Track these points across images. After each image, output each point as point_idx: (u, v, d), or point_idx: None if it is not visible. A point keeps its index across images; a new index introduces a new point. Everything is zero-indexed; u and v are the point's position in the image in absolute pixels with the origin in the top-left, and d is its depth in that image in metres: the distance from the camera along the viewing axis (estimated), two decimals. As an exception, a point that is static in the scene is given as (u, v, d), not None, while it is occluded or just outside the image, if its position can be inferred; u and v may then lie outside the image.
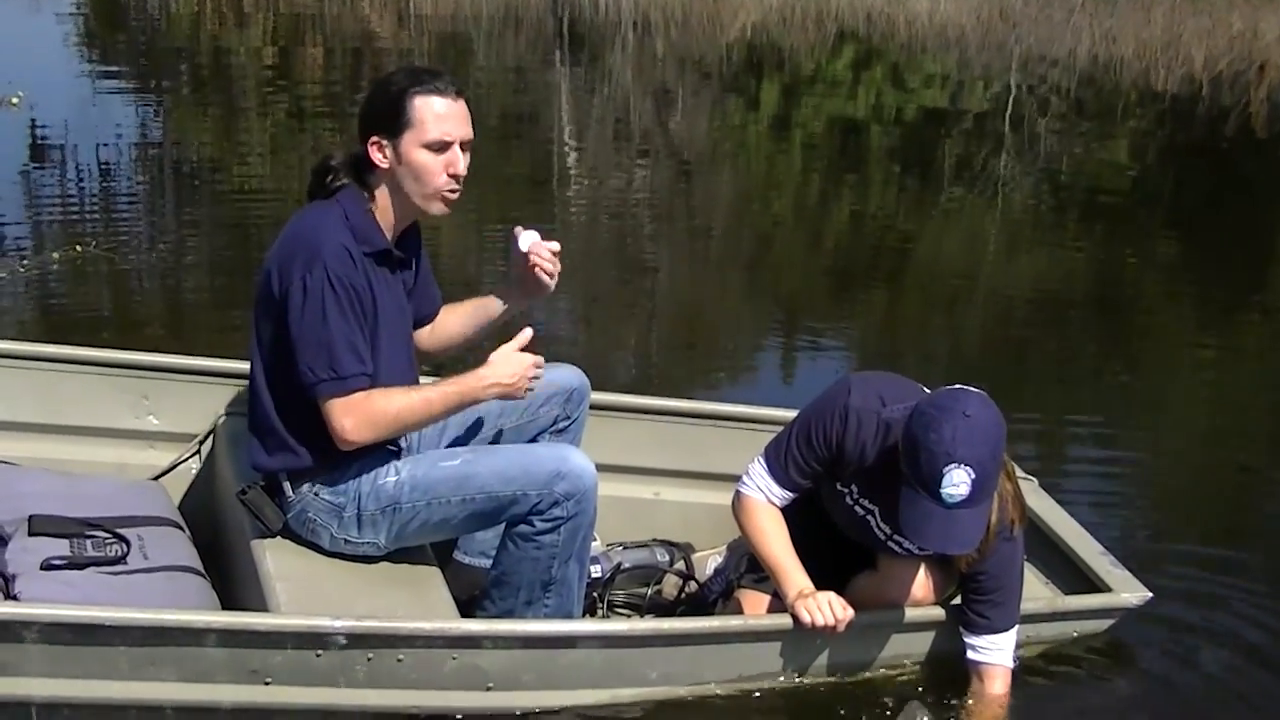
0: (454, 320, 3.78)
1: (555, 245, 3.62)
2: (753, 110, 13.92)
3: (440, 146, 3.31)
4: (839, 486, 3.57)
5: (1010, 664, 3.57)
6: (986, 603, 3.52)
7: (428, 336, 3.77)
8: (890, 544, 3.53)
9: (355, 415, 3.28)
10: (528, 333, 3.49)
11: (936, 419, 3.20)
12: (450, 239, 7.63)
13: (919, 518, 3.26)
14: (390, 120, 3.30)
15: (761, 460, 3.62)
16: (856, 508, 3.55)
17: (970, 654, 3.56)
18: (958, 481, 3.17)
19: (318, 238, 3.27)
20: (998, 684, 3.55)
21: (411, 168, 3.32)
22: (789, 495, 3.59)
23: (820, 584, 3.53)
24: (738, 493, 3.64)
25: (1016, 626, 3.57)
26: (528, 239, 3.61)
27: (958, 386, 3.32)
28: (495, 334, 3.71)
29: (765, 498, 3.59)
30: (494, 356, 3.44)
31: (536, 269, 3.59)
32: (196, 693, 3.15)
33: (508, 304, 3.73)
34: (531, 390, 3.51)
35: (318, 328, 3.23)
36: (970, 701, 3.57)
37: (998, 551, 3.46)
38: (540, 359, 3.49)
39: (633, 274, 8.00)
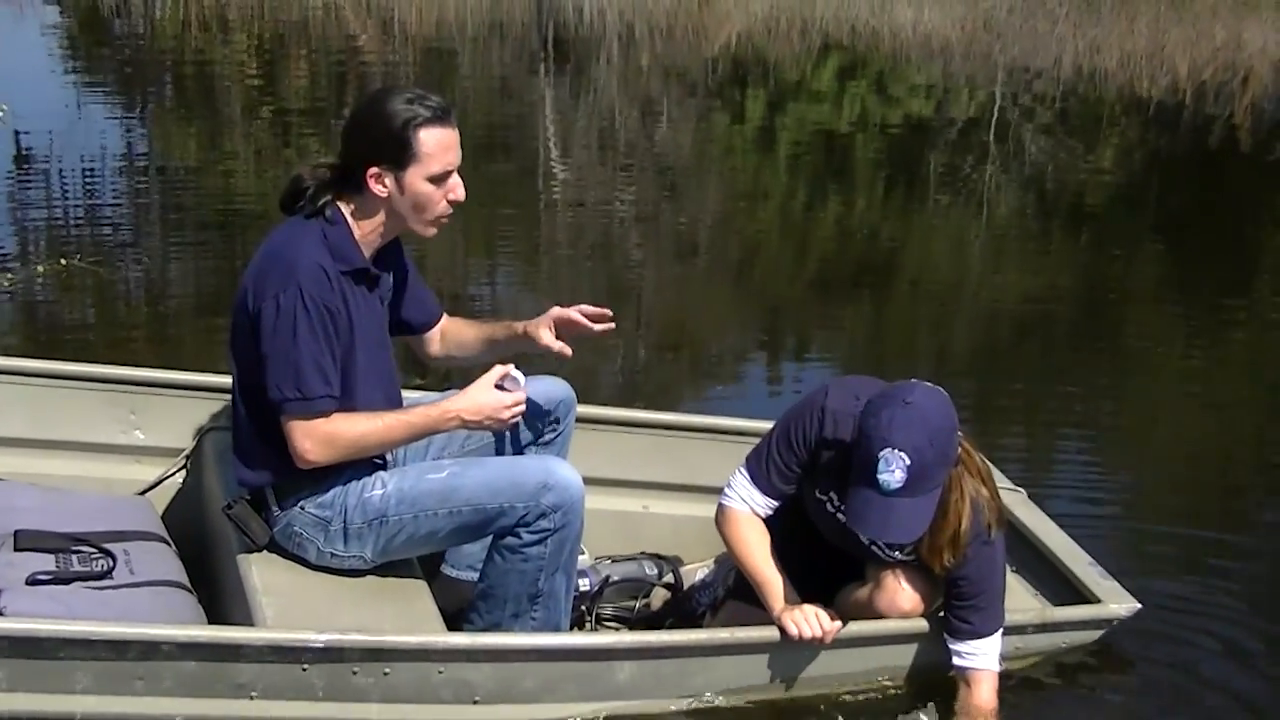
0: (469, 336, 3.80)
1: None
2: (738, 121, 13.93)
3: (443, 177, 3.32)
4: (818, 494, 3.56)
5: (996, 668, 3.56)
6: (969, 608, 3.52)
7: (438, 344, 3.82)
8: (875, 549, 3.53)
9: (315, 437, 3.29)
10: (498, 370, 3.50)
11: (877, 407, 3.24)
12: (434, 250, 7.62)
13: (860, 504, 3.27)
14: (394, 152, 3.28)
15: (743, 470, 3.62)
16: (839, 515, 3.55)
17: (956, 660, 3.56)
18: (893, 466, 3.18)
19: (294, 256, 3.27)
20: (984, 689, 3.55)
21: (414, 198, 3.32)
22: (772, 504, 3.59)
23: (807, 595, 3.53)
24: (721, 505, 3.64)
25: (1001, 630, 3.56)
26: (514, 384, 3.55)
27: (913, 380, 3.33)
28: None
29: (749, 508, 3.59)
30: (467, 390, 3.47)
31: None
32: (182, 707, 3.14)
33: (528, 343, 3.73)
34: (505, 426, 3.51)
35: (287, 347, 3.23)
36: (958, 708, 3.57)
37: (977, 556, 3.46)
38: (520, 397, 3.48)
39: (618, 285, 8.00)
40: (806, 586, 3.57)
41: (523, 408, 3.50)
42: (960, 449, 3.39)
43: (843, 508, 3.52)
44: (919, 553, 3.47)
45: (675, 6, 19.39)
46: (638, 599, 4.07)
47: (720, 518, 3.63)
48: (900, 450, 3.18)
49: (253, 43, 16.56)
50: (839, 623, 3.47)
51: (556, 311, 3.70)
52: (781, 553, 3.58)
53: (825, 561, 3.68)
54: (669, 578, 4.13)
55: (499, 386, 3.45)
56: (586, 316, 3.68)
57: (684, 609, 4.04)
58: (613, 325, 3.70)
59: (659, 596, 4.10)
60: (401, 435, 3.43)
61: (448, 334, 3.81)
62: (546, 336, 3.68)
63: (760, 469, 3.57)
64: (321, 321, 3.25)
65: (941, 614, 3.62)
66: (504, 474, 3.43)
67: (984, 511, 3.45)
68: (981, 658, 3.54)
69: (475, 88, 14.59)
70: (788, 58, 17.37)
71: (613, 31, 18.01)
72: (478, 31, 17.73)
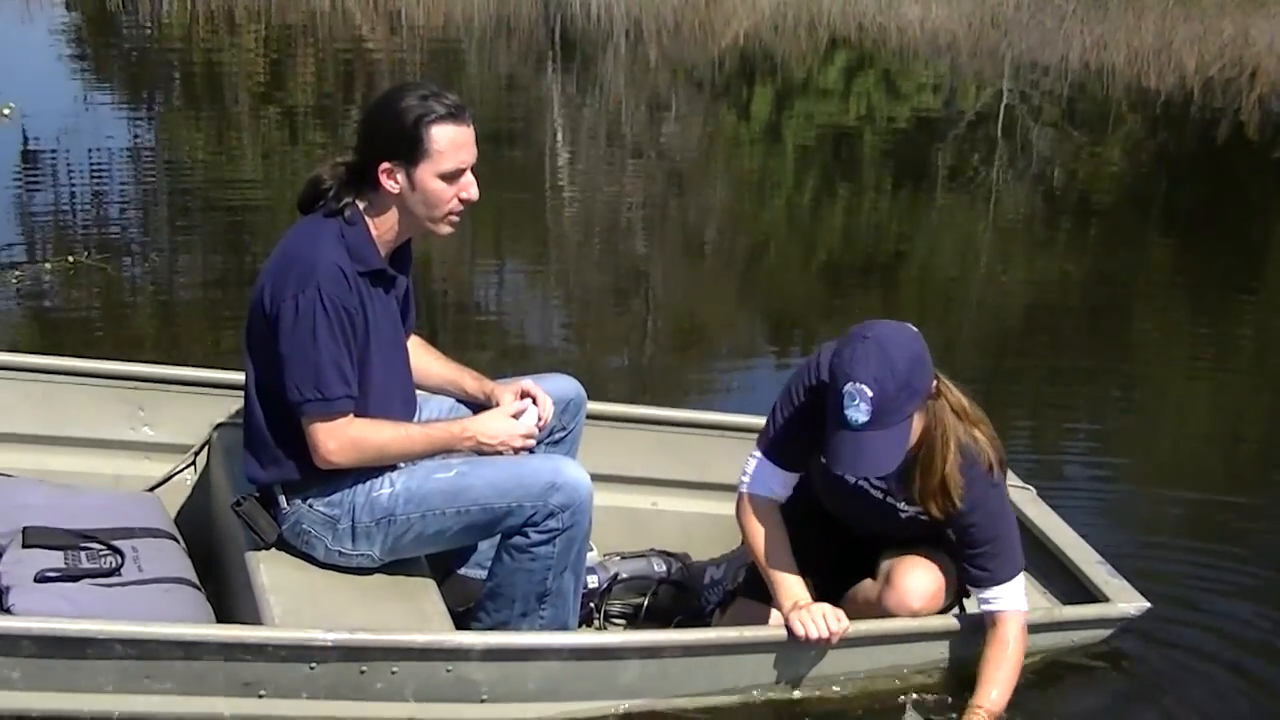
0: (435, 370, 3.79)
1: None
2: (745, 117, 13.93)
3: (455, 175, 3.32)
4: (824, 460, 3.56)
5: (1023, 607, 3.52)
6: (984, 554, 3.49)
7: None
8: (889, 501, 3.53)
9: (339, 438, 3.30)
10: (516, 404, 3.58)
11: (839, 346, 3.28)
12: (443, 245, 7.61)
13: (834, 444, 3.27)
14: (406, 148, 3.27)
15: (755, 451, 3.62)
16: (847, 475, 3.54)
17: (983, 606, 3.53)
18: (856, 400, 3.18)
19: (313, 256, 3.27)
20: (1011, 628, 3.50)
21: (425, 194, 3.31)
22: (788, 478, 3.58)
23: (820, 591, 3.53)
24: (739, 494, 3.63)
25: (1022, 573, 3.52)
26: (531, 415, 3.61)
27: (879, 319, 3.36)
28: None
29: (766, 492, 3.58)
30: (484, 415, 3.55)
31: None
32: (190, 706, 3.14)
33: (482, 398, 3.72)
34: (515, 451, 3.53)
35: (307, 347, 3.23)
36: (986, 649, 3.52)
37: (985, 498, 3.44)
38: (534, 430, 3.55)
39: (627, 283, 8.00)
40: (819, 581, 3.57)
41: (533, 442, 3.55)
42: (940, 385, 3.38)
43: None
44: (917, 499, 3.46)
45: (682, 3, 19.36)
46: (646, 596, 4.06)
47: (739, 507, 3.63)
48: (861, 383, 3.19)
49: (260, 40, 16.56)
50: (846, 623, 3.45)
51: (527, 383, 3.70)
52: (795, 544, 3.57)
53: (839, 553, 3.69)
54: (678, 575, 4.12)
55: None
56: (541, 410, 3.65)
57: (693, 606, 4.03)
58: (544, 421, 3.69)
59: (667, 594, 4.09)
60: (422, 448, 3.46)
61: (412, 355, 3.72)
62: (510, 404, 3.65)
63: (770, 440, 3.58)
64: (340, 322, 3.25)
65: (953, 612, 3.62)
66: (512, 473, 3.43)
67: (983, 451, 3.43)
68: (1006, 600, 3.50)
69: (483, 84, 14.58)
70: (795, 54, 17.35)
71: (620, 28, 17.99)
72: (485, 28, 17.72)
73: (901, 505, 3.53)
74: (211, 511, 3.90)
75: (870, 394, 3.17)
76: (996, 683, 3.48)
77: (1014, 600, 3.51)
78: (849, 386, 3.19)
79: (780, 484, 3.59)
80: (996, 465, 3.45)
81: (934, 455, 3.38)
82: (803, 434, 3.52)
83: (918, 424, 3.31)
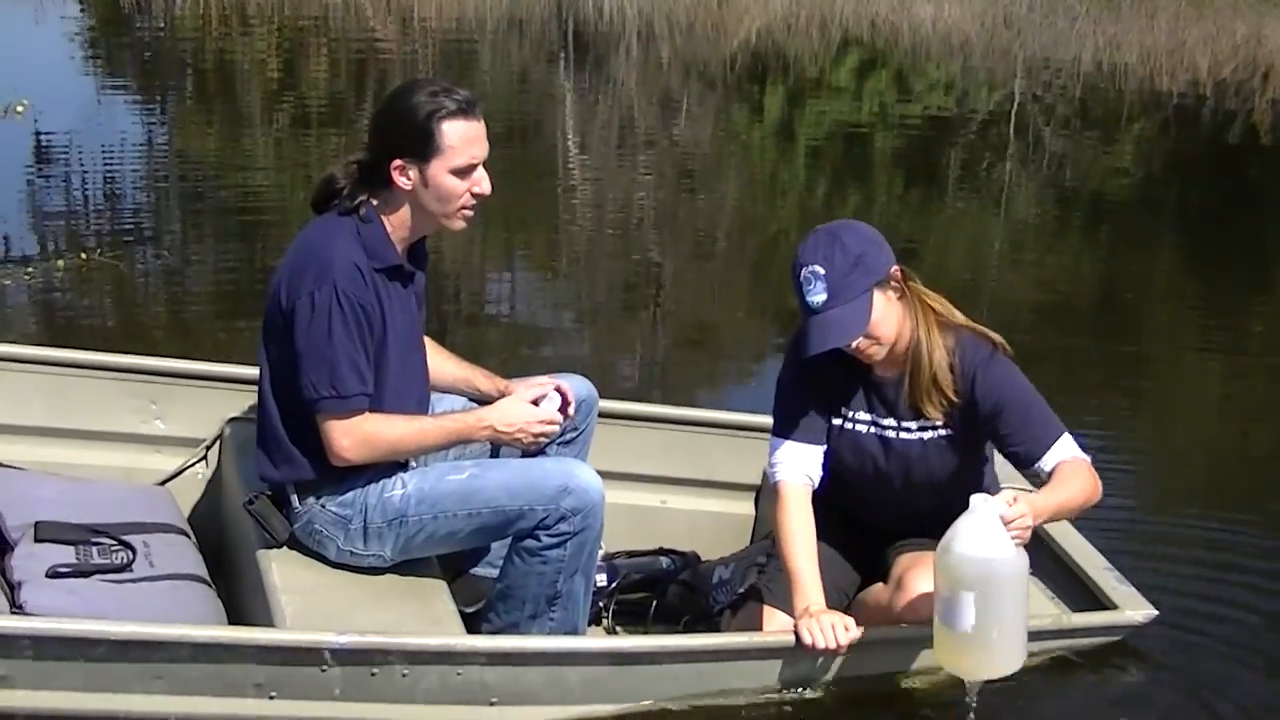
0: (447, 370, 3.78)
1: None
2: (757, 116, 13.92)
3: (467, 170, 3.32)
4: (833, 420, 3.58)
5: (1084, 456, 3.48)
6: (1023, 426, 3.47)
7: None
8: (904, 434, 3.54)
9: (353, 435, 3.31)
10: (535, 391, 3.61)
11: (797, 248, 3.39)
12: (453, 242, 7.61)
13: (802, 332, 3.39)
14: (418, 145, 3.29)
15: (772, 434, 3.63)
16: (858, 426, 3.57)
17: (1044, 473, 3.49)
18: (813, 283, 3.31)
19: (329, 253, 3.28)
20: (1074, 469, 3.44)
21: (438, 190, 3.32)
22: (812, 451, 3.57)
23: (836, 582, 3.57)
24: (773, 482, 3.63)
25: (1066, 433, 3.49)
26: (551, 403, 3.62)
27: None
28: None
29: (794, 472, 3.56)
30: (501, 402, 3.56)
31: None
32: (200, 706, 3.15)
33: (495, 395, 3.72)
34: (535, 442, 3.55)
35: (322, 344, 3.24)
36: (1049, 487, 3.45)
37: (999, 380, 3.47)
38: (554, 415, 3.56)
39: (638, 281, 8.00)
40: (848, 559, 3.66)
41: (554, 428, 3.56)
42: (911, 283, 3.47)
43: (858, 415, 3.58)
44: (916, 403, 3.48)
45: (695, 2, 19.36)
46: (655, 595, 4.06)
47: (773, 496, 3.62)
48: (813, 265, 3.32)
49: (272, 37, 16.59)
50: (855, 632, 3.42)
51: (547, 380, 3.71)
52: (821, 534, 3.57)
53: (859, 551, 3.72)
54: (686, 574, 4.12)
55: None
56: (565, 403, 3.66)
57: (701, 606, 4.02)
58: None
59: (675, 593, 4.09)
60: (436, 440, 3.46)
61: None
62: (526, 391, 3.66)
63: (780, 418, 3.60)
64: (356, 319, 3.26)
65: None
66: (524, 476, 3.43)
67: (980, 337, 3.51)
68: (1060, 454, 3.46)
69: (495, 82, 14.59)
70: (807, 53, 17.34)
71: (632, 27, 17.99)
72: (497, 26, 17.73)
73: (915, 426, 3.53)
74: (223, 506, 3.91)
75: (822, 272, 3.31)
76: (1055, 490, 3.41)
77: (1070, 452, 3.47)
78: (804, 272, 3.33)
79: (806, 461, 3.57)
80: (997, 346, 3.51)
81: (921, 354, 3.45)
82: (807, 398, 3.55)
83: (889, 308, 3.39)
